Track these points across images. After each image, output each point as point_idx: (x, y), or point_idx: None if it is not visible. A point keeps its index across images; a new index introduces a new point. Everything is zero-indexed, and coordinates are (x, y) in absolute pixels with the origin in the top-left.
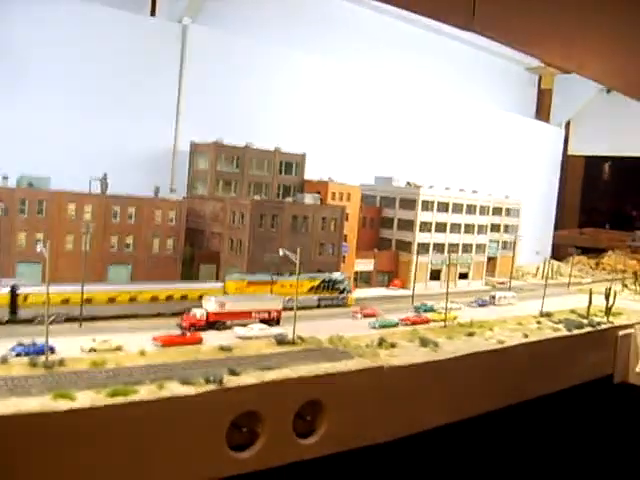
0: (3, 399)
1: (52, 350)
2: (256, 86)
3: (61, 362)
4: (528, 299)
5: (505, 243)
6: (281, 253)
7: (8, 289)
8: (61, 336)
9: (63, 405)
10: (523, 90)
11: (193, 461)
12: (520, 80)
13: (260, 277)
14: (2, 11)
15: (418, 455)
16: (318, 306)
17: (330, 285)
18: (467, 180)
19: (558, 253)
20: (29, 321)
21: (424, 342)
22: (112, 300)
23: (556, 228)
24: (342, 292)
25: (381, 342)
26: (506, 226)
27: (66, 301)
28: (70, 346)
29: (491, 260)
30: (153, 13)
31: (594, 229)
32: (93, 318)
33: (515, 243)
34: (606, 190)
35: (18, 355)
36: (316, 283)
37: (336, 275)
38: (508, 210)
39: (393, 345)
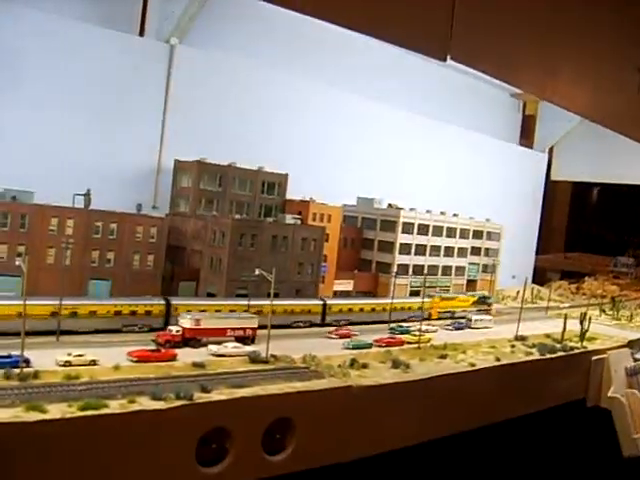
0: None
1: (27, 362)
2: (241, 106)
3: (36, 374)
4: (505, 323)
5: (486, 266)
6: (257, 272)
7: None
8: (38, 349)
9: (33, 417)
10: (507, 116)
11: (162, 475)
12: (504, 106)
13: (448, 295)
14: None
15: (387, 474)
16: None
17: (483, 300)
18: (450, 204)
19: (541, 277)
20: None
21: (396, 363)
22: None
23: (540, 252)
24: (489, 305)
25: (353, 362)
26: (487, 249)
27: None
28: (46, 359)
29: (472, 283)
30: (142, 33)
31: (579, 254)
32: None
33: (495, 266)
34: (594, 215)
35: None
36: (475, 299)
37: (485, 292)
38: (489, 234)
39: (365, 366)
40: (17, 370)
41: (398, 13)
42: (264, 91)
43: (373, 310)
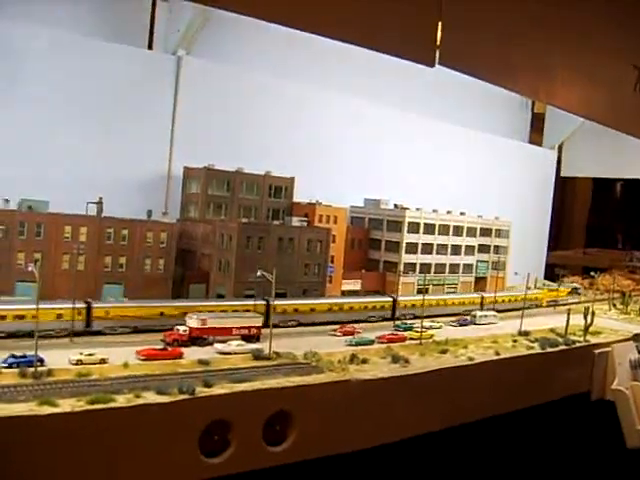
0: None
1: (41, 362)
2: (248, 112)
3: (49, 373)
4: (510, 318)
5: (495, 263)
6: (259, 274)
7: None
8: (53, 349)
9: (46, 410)
10: (516, 115)
11: (167, 465)
12: (513, 105)
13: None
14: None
15: (387, 466)
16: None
17: (575, 291)
18: (461, 203)
19: (553, 274)
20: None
21: (395, 359)
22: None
23: (558, 249)
24: (579, 295)
25: (353, 358)
26: (496, 247)
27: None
28: (59, 358)
29: (481, 280)
30: (151, 46)
31: (598, 249)
32: None
33: (505, 263)
34: (616, 211)
35: (10, 366)
36: (569, 290)
37: (576, 284)
38: (498, 231)
39: (365, 361)
40: (31, 369)
41: (384, 20)
42: (269, 97)
43: (510, 301)
